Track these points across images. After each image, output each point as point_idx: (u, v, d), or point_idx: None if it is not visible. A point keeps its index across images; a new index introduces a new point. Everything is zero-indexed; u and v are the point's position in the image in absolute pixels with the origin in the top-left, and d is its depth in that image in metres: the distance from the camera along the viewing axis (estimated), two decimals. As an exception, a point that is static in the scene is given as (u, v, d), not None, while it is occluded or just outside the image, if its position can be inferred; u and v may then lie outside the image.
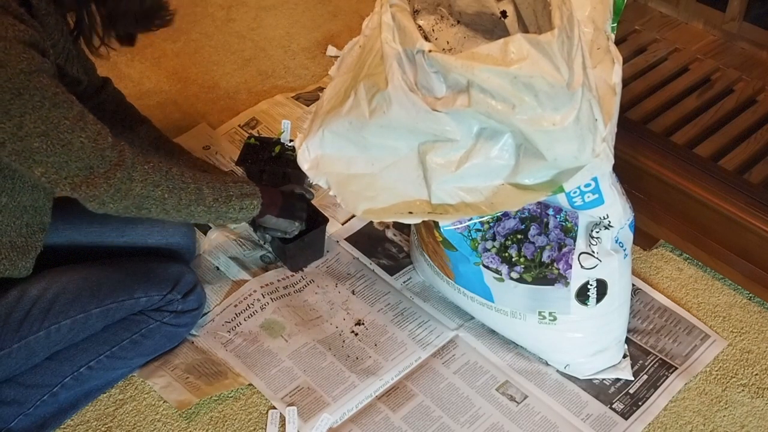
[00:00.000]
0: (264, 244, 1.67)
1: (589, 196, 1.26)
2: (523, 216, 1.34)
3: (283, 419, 1.40)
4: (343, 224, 1.73)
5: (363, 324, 1.54)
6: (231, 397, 1.44)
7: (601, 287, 1.35)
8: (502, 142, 1.20)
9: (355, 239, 1.70)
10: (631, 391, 1.44)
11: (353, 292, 1.60)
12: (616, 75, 1.18)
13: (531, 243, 1.34)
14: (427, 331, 1.53)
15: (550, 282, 1.35)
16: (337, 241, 1.69)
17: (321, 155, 1.35)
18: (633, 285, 1.55)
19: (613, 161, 1.20)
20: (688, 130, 1.67)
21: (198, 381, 1.44)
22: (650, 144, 1.62)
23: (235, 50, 2.25)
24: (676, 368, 1.48)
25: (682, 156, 1.60)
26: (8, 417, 1.33)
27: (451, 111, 1.17)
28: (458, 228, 1.36)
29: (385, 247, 1.69)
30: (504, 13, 1.34)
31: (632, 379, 1.46)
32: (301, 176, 1.58)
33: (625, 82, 1.42)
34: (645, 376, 1.46)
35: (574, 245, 1.32)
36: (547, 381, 1.45)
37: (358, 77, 1.27)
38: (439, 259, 1.46)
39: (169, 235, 1.51)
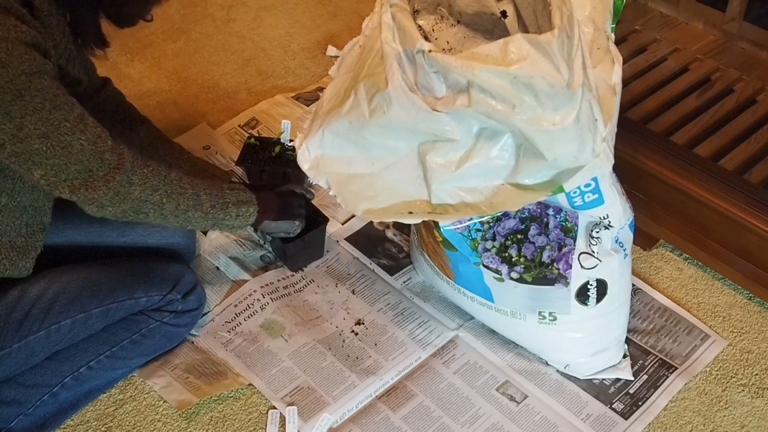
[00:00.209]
0: (264, 244, 1.67)
1: (589, 196, 1.26)
2: (523, 216, 1.34)
3: (283, 419, 1.40)
4: (343, 224, 1.73)
5: (363, 324, 1.54)
6: (231, 397, 1.44)
7: (601, 287, 1.35)
8: (502, 142, 1.20)
9: (355, 239, 1.70)
10: (631, 391, 1.44)
11: (353, 292, 1.60)
12: (616, 75, 1.18)
13: (531, 243, 1.34)
14: (427, 331, 1.53)
15: (550, 282, 1.35)
16: (337, 241, 1.69)
17: (321, 155, 1.35)
18: (633, 285, 1.55)
19: (613, 161, 1.20)
20: (688, 130, 1.67)
21: (198, 381, 1.44)
22: (650, 144, 1.62)
23: (235, 50, 2.26)
24: (676, 368, 1.48)
25: (682, 156, 1.60)
26: (8, 417, 1.33)
27: (451, 111, 1.17)
28: (458, 228, 1.36)
29: (385, 247, 1.69)
30: (504, 13, 1.34)
31: (632, 379, 1.46)
32: (301, 176, 1.58)
33: (625, 82, 1.42)
34: (645, 376, 1.47)
35: (574, 245, 1.32)
36: (547, 381, 1.45)
37: (358, 77, 1.27)
38: (439, 259, 1.46)
39: (169, 235, 1.51)
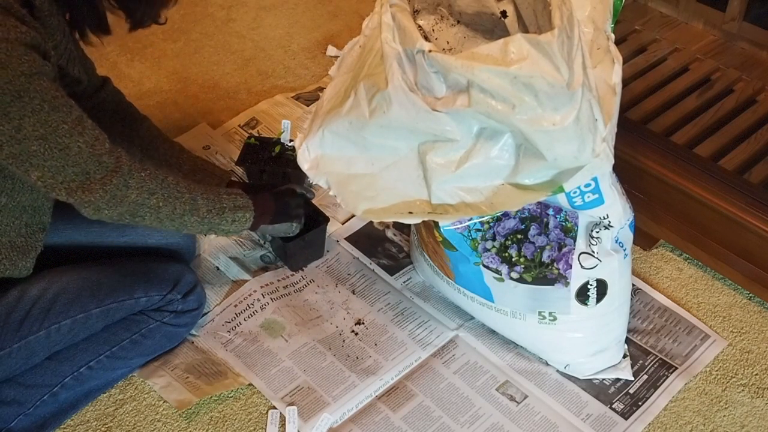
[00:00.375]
0: (264, 243, 1.67)
1: (589, 196, 1.26)
2: (523, 216, 1.34)
3: (283, 419, 1.40)
4: (343, 224, 1.73)
5: (363, 324, 1.54)
6: (231, 397, 1.44)
7: (601, 287, 1.35)
8: (502, 142, 1.20)
9: (355, 239, 1.70)
10: (631, 391, 1.44)
11: (353, 292, 1.60)
12: (616, 75, 1.18)
13: (531, 243, 1.34)
14: (427, 331, 1.53)
15: (550, 282, 1.35)
16: (337, 241, 1.69)
17: (321, 155, 1.35)
18: (633, 285, 1.55)
19: (613, 161, 1.20)
20: (688, 130, 1.67)
21: (198, 381, 1.44)
22: (650, 144, 1.62)
23: (235, 50, 2.26)
24: (676, 368, 1.48)
25: (682, 156, 1.60)
26: (8, 417, 1.33)
27: (451, 111, 1.17)
28: (458, 228, 1.36)
29: (385, 247, 1.69)
30: (504, 13, 1.34)
31: (632, 379, 1.46)
32: (301, 176, 1.58)
33: (625, 82, 1.42)
34: (645, 376, 1.47)
35: (574, 245, 1.32)
36: (547, 381, 1.45)
37: (358, 77, 1.27)
38: (439, 259, 1.46)
39: (169, 235, 1.51)
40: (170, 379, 1.45)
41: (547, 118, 1.12)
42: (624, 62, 1.21)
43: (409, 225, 1.65)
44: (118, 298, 1.36)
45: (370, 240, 1.70)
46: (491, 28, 1.38)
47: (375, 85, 1.23)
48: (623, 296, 1.40)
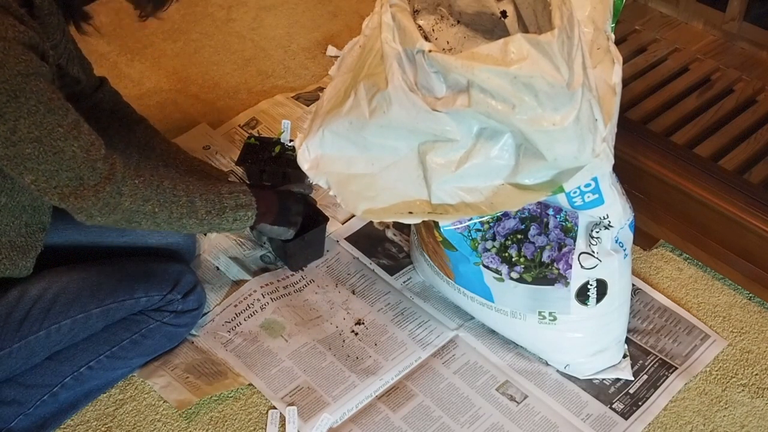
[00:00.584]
0: (264, 244, 1.67)
1: (589, 196, 1.26)
2: (523, 216, 1.34)
3: (283, 419, 1.40)
4: (343, 224, 1.73)
5: (363, 324, 1.54)
6: (231, 397, 1.44)
7: (601, 287, 1.35)
8: (502, 142, 1.20)
9: (355, 239, 1.70)
10: (631, 391, 1.44)
11: (353, 292, 1.60)
12: (616, 75, 1.18)
13: (531, 243, 1.34)
14: (427, 331, 1.53)
15: (550, 282, 1.35)
16: (337, 241, 1.69)
17: (321, 155, 1.35)
18: (633, 285, 1.55)
19: (613, 161, 1.20)
20: (688, 130, 1.67)
21: (198, 381, 1.44)
22: (650, 144, 1.62)
23: (235, 50, 2.26)
24: (676, 368, 1.48)
25: (682, 156, 1.60)
26: (8, 417, 1.33)
27: (451, 111, 1.17)
28: (458, 228, 1.36)
29: (385, 247, 1.69)
30: (504, 13, 1.34)
31: (632, 379, 1.46)
32: (301, 176, 1.58)
33: (625, 82, 1.42)
34: (645, 376, 1.47)
35: (574, 245, 1.32)
36: (547, 381, 1.45)
37: (358, 77, 1.27)
38: (439, 259, 1.46)
39: (169, 235, 1.51)
40: (170, 379, 1.45)
41: (547, 118, 1.12)
42: (624, 62, 1.21)
43: (409, 225, 1.65)
44: (118, 298, 1.36)
45: (370, 240, 1.70)
46: (491, 28, 1.38)
47: (375, 85, 1.23)
48: (623, 296, 1.40)
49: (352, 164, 1.32)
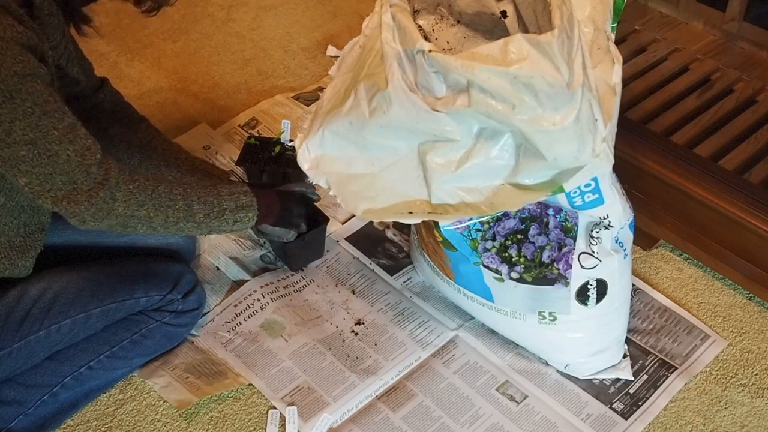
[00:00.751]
0: (263, 244, 1.67)
1: (589, 196, 1.26)
2: (523, 216, 1.34)
3: (283, 419, 1.40)
4: (343, 224, 1.73)
5: (363, 324, 1.54)
6: (231, 397, 1.44)
7: (601, 287, 1.35)
8: (502, 142, 1.20)
9: (355, 239, 1.70)
10: (631, 391, 1.44)
11: (353, 292, 1.60)
12: (616, 75, 1.18)
13: (531, 243, 1.34)
14: (427, 331, 1.53)
15: (550, 282, 1.35)
16: (337, 241, 1.69)
17: (321, 155, 1.35)
18: (633, 285, 1.55)
19: (613, 161, 1.20)
20: (688, 130, 1.67)
21: (198, 381, 1.44)
22: (650, 144, 1.62)
23: (235, 50, 2.26)
24: (676, 368, 1.48)
25: (682, 156, 1.60)
26: (8, 417, 1.33)
27: (451, 111, 1.17)
28: (458, 228, 1.36)
29: (385, 247, 1.69)
30: (504, 13, 1.34)
31: (632, 379, 1.46)
32: (301, 176, 1.58)
33: (625, 82, 1.42)
34: (645, 376, 1.46)
35: (574, 245, 1.32)
36: (547, 381, 1.45)
37: (358, 77, 1.27)
38: (439, 259, 1.46)
39: (169, 236, 1.51)
40: (170, 379, 1.45)
41: (547, 118, 1.12)
42: (624, 62, 1.21)
43: (409, 225, 1.65)
44: (118, 298, 1.36)
45: (370, 240, 1.70)
46: (491, 28, 1.38)
47: (375, 85, 1.23)
48: (623, 296, 1.40)
49: (352, 164, 1.32)
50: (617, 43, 1.38)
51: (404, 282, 1.62)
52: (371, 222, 1.72)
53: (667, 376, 1.47)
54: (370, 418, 1.40)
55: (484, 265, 1.38)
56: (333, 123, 1.30)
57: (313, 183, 1.36)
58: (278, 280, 1.61)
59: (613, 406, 1.42)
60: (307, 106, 2.02)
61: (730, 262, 1.58)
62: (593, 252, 1.32)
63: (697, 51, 1.88)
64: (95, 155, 1.17)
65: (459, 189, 1.25)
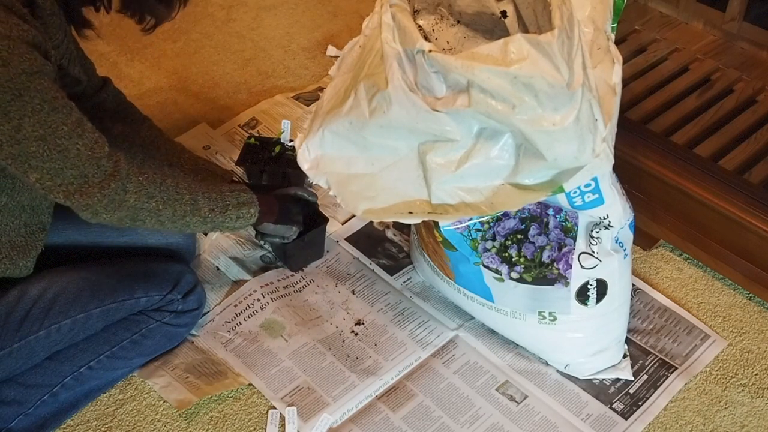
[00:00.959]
0: (264, 244, 1.67)
1: (589, 196, 1.26)
2: (523, 216, 1.34)
3: (283, 419, 1.40)
4: (343, 224, 1.73)
5: (363, 324, 1.54)
6: (231, 397, 1.44)
7: (601, 287, 1.35)
8: (502, 142, 1.20)
9: (355, 239, 1.70)
10: (631, 391, 1.44)
11: (353, 292, 1.60)
12: (616, 75, 1.18)
13: (531, 243, 1.34)
14: (427, 331, 1.53)
15: (550, 282, 1.35)
16: (337, 241, 1.69)
17: (321, 155, 1.35)
18: (633, 285, 1.55)
19: (613, 161, 1.20)
20: (688, 130, 1.67)
21: (198, 381, 1.44)
22: (650, 144, 1.62)
23: (235, 50, 2.26)
24: (676, 368, 1.48)
25: (682, 156, 1.60)
26: (8, 417, 1.33)
27: (451, 111, 1.17)
28: (458, 228, 1.36)
29: (385, 247, 1.69)
30: (504, 13, 1.34)
31: (632, 379, 1.46)
32: (301, 176, 1.58)
33: (625, 82, 1.42)
34: (645, 376, 1.47)
35: (574, 245, 1.32)
36: (547, 381, 1.45)
37: (358, 77, 1.27)
38: (439, 259, 1.46)
39: (170, 235, 1.51)
40: (170, 379, 1.45)
41: (547, 118, 1.12)
42: (624, 62, 1.21)
43: (409, 225, 1.65)
44: (119, 298, 1.36)
45: (370, 240, 1.70)
46: (491, 28, 1.38)
47: (375, 85, 1.23)
48: (623, 296, 1.40)
49: (352, 164, 1.32)
50: (617, 43, 1.38)
51: (404, 282, 1.62)
52: (371, 222, 1.72)
53: (667, 376, 1.47)
54: (370, 418, 1.40)
55: (484, 265, 1.38)
56: (333, 123, 1.31)
57: (313, 183, 1.36)
58: (278, 280, 1.61)
59: (613, 406, 1.42)
60: (307, 106, 2.02)
61: (730, 262, 1.58)
62: (593, 252, 1.32)
63: (697, 51, 1.88)
64: (103, 148, 1.18)
65: (459, 189, 1.25)
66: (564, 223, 1.32)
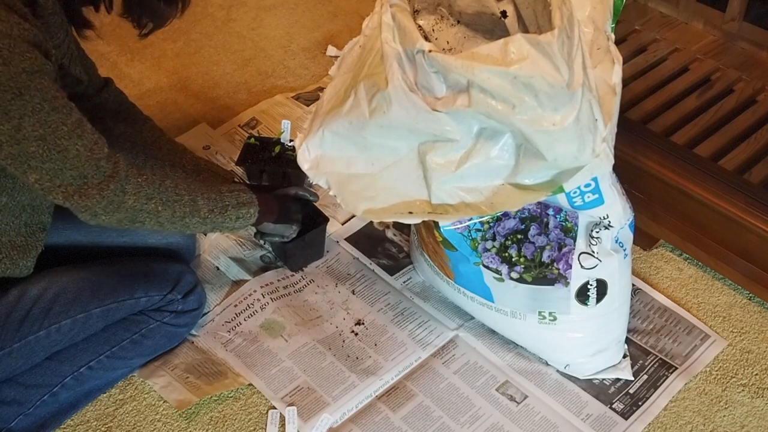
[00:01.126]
0: (264, 244, 1.67)
1: (589, 196, 1.26)
2: (523, 216, 1.34)
3: (283, 419, 1.40)
4: (343, 224, 1.73)
5: (363, 324, 1.54)
6: (231, 397, 1.44)
7: (601, 287, 1.35)
8: (502, 142, 1.20)
9: (355, 239, 1.70)
10: (631, 391, 1.44)
11: (353, 292, 1.60)
12: (616, 75, 1.18)
13: (531, 243, 1.34)
14: (427, 331, 1.53)
15: (550, 282, 1.35)
16: (337, 241, 1.69)
17: (321, 155, 1.35)
18: (633, 285, 1.55)
19: (613, 161, 1.20)
20: (688, 130, 1.67)
21: (198, 381, 1.44)
22: (650, 144, 1.62)
23: (235, 50, 2.26)
24: (676, 368, 1.48)
25: (682, 156, 1.60)
26: (8, 417, 1.33)
27: (451, 111, 1.17)
28: (458, 228, 1.36)
29: (385, 247, 1.69)
30: (504, 13, 1.34)
31: (632, 379, 1.46)
32: (301, 176, 1.58)
33: (625, 82, 1.42)
34: (645, 376, 1.47)
35: (574, 245, 1.33)
36: (547, 381, 1.45)
37: (358, 77, 1.27)
38: (439, 259, 1.46)
39: (170, 235, 1.51)
40: (170, 379, 1.45)
41: (547, 118, 1.12)
42: (624, 62, 1.21)
43: (409, 225, 1.65)
44: (119, 298, 1.36)
45: (370, 240, 1.70)
46: (491, 28, 1.38)
47: (375, 85, 1.23)
48: (623, 296, 1.40)
49: (352, 164, 1.32)
50: (617, 43, 1.38)
51: (404, 282, 1.62)
52: (371, 222, 1.72)
53: (667, 376, 1.47)
54: (370, 418, 1.40)
55: (484, 265, 1.38)
56: (333, 123, 1.31)
57: (313, 183, 1.36)
58: (278, 280, 1.61)
59: (613, 406, 1.42)
60: (307, 106, 2.02)
61: (730, 262, 1.58)
62: (593, 252, 1.32)
63: (697, 51, 1.88)
64: (103, 149, 1.18)
65: (459, 189, 1.25)
66: (564, 223, 1.32)
